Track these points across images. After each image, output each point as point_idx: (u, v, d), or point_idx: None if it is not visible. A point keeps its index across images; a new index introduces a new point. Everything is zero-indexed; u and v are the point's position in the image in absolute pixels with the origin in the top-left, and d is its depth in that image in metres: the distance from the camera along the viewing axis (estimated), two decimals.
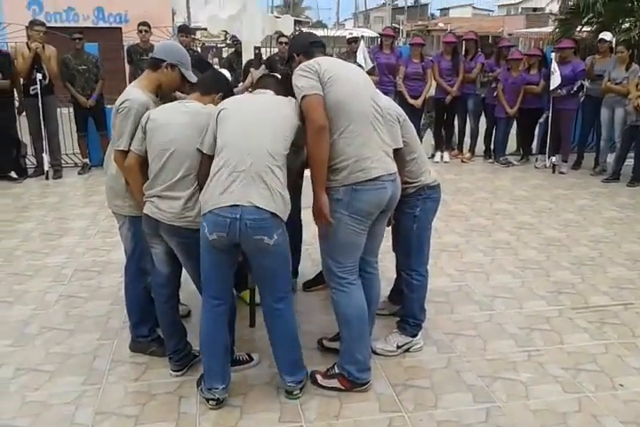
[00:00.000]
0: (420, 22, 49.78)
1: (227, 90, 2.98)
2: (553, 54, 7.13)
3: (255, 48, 5.01)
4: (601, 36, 7.47)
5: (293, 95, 2.70)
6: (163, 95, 3.01)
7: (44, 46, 6.70)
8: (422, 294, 3.26)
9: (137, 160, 2.79)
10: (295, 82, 2.61)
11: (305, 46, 2.82)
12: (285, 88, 2.85)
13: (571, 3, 8.93)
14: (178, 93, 3.20)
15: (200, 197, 2.60)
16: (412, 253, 3.18)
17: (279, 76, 3.09)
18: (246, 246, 2.56)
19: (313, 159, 2.59)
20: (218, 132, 2.59)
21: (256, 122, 2.58)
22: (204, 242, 2.57)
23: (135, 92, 2.88)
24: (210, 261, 2.62)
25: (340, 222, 2.65)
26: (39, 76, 6.61)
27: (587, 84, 7.26)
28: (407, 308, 3.25)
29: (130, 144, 2.80)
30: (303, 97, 2.57)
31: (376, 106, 2.72)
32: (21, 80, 6.72)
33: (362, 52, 7.26)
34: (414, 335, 3.24)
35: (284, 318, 2.73)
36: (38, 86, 6.63)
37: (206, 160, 2.64)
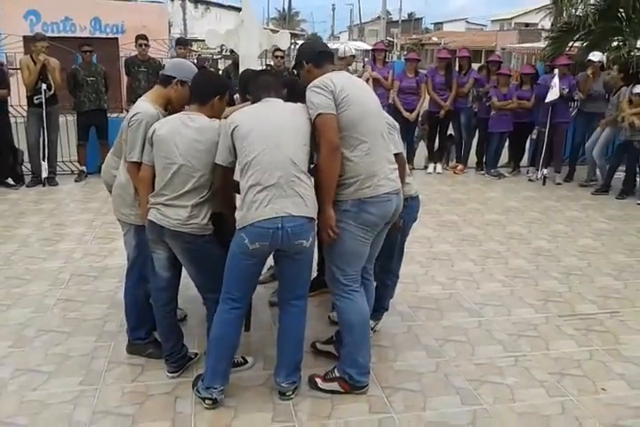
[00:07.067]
0: (414, 36, 50.38)
1: (223, 89, 2.94)
2: (556, 70, 7.29)
3: (267, 66, 5.13)
4: (589, 56, 7.65)
5: (299, 101, 2.79)
6: (174, 110, 3.05)
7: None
8: (394, 290, 3.62)
9: (150, 172, 2.86)
10: (310, 98, 2.68)
11: (314, 55, 2.86)
12: (291, 93, 2.93)
13: (565, 19, 9.11)
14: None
15: (236, 213, 2.69)
16: (393, 258, 3.41)
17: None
18: (287, 250, 2.68)
19: (324, 176, 2.69)
20: (238, 150, 2.65)
21: (275, 134, 2.64)
22: (240, 252, 2.66)
23: (145, 106, 2.97)
24: (241, 269, 2.71)
25: (347, 232, 2.75)
26: (44, 86, 6.75)
27: (582, 95, 7.43)
28: (380, 301, 3.42)
29: (141, 156, 2.89)
30: (319, 114, 2.65)
31: (384, 123, 2.87)
32: (26, 91, 6.85)
33: None
34: (380, 319, 3.57)
35: (298, 315, 2.85)
36: (43, 96, 6.76)
37: (223, 172, 2.74)
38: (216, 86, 2.91)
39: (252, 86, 2.92)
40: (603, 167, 7.36)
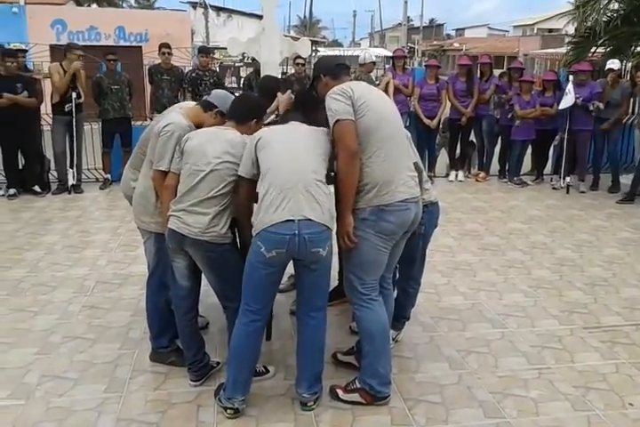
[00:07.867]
0: (435, 42, 50.32)
1: (261, 115, 3.11)
2: (571, 77, 7.21)
3: (282, 73, 5.17)
4: (608, 65, 7.52)
5: (320, 125, 2.85)
6: None
7: None
8: (415, 298, 3.52)
9: (176, 180, 2.92)
10: (329, 105, 2.74)
11: (331, 68, 2.95)
12: (312, 118, 2.96)
13: (588, 24, 9.01)
14: None
15: (253, 217, 2.73)
16: (415, 265, 3.39)
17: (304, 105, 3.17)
18: (304, 259, 2.68)
19: (344, 183, 2.71)
20: (260, 158, 2.72)
21: (296, 145, 2.73)
22: (257, 260, 2.67)
23: (179, 118, 3.04)
24: (259, 279, 2.71)
25: (365, 241, 2.76)
26: (74, 94, 6.88)
27: (602, 105, 7.32)
28: (401, 310, 3.41)
29: (170, 165, 2.94)
30: (337, 121, 2.69)
31: (403, 131, 2.89)
32: (52, 98, 6.97)
33: None
34: (401, 329, 3.54)
35: (317, 327, 2.84)
36: (73, 104, 6.89)
37: (247, 184, 2.79)
38: (256, 110, 3.07)
39: (281, 119, 3.10)
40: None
